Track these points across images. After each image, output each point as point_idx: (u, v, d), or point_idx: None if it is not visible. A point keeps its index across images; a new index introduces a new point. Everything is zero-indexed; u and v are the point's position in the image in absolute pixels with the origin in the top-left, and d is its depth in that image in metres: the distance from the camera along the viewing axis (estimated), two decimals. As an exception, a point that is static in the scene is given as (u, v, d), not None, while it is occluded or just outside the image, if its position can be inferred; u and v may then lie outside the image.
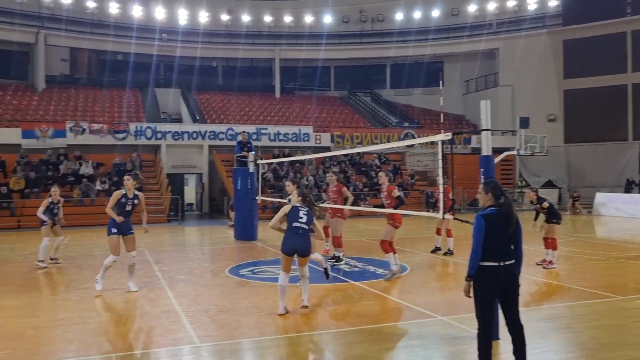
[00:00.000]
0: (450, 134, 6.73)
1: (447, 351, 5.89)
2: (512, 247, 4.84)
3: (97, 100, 31.28)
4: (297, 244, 7.30)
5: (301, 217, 7.37)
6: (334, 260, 11.29)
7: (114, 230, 8.87)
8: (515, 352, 4.88)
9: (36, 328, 6.98)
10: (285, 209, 7.50)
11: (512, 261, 4.81)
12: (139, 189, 9.32)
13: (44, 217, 11.80)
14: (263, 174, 15.73)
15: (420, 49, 36.19)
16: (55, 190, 12.28)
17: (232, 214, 19.51)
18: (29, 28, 31.91)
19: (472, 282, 4.78)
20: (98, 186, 23.71)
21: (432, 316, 7.23)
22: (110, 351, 5.98)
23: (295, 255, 7.40)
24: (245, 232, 16.31)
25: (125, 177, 9.26)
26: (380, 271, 10.60)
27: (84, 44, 33.93)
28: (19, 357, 5.90)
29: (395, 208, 9.61)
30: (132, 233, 9.07)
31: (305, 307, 7.49)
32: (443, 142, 6.93)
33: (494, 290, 4.83)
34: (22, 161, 24.16)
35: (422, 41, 36.27)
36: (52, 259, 12.09)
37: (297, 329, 6.79)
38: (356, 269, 10.84)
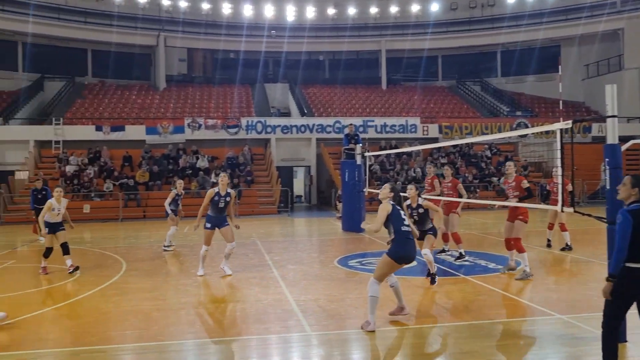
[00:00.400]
0: (570, 122, 6.33)
1: (566, 352, 5.59)
2: None
3: (211, 97, 32.91)
4: (411, 252, 6.49)
5: (404, 219, 6.55)
6: (455, 258, 10.91)
7: (208, 225, 9.87)
8: None
9: (161, 310, 7.52)
10: (387, 208, 6.51)
11: None
12: (233, 187, 9.92)
13: (169, 209, 12.89)
14: (370, 166, 15.73)
15: (534, 33, 34.28)
16: (180, 182, 13.35)
17: (339, 206, 19.75)
18: (150, 32, 34.20)
19: (612, 283, 4.49)
20: (213, 178, 24.96)
21: (549, 314, 6.88)
22: (227, 335, 6.30)
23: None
24: (353, 224, 16.41)
25: (222, 175, 9.98)
26: (491, 265, 10.26)
27: (199, 44, 35.78)
28: (146, 336, 6.39)
29: (521, 200, 9.09)
30: (228, 225, 9.95)
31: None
32: (562, 131, 6.54)
33: (634, 294, 4.49)
34: (146, 156, 26.03)
35: (536, 25, 34.31)
36: (166, 247, 13.03)
37: (405, 320, 6.75)
38: (467, 263, 10.56)
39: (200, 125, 27.34)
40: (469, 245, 12.73)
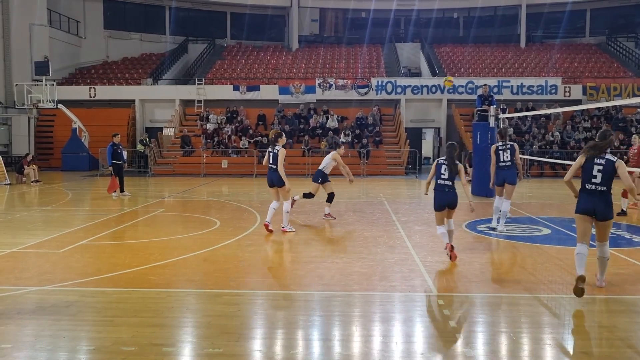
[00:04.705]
0: None
1: None
2: None
3: (341, 57, 33.12)
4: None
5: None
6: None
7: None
8: None
9: (294, 262, 7.94)
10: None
11: None
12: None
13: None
14: (504, 129, 15.04)
15: None
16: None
17: (469, 169, 19.19)
18: (284, -8, 34.96)
19: None
20: (342, 139, 25.36)
21: (703, 294, 6.28)
22: (353, 289, 6.51)
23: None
24: (483, 188, 15.90)
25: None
26: (636, 239, 9.50)
27: (330, 4, 35.97)
28: (278, 285, 6.82)
29: None
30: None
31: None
32: None
33: None
34: (279, 115, 27.02)
35: None
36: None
37: (535, 289, 6.52)
38: (612, 235, 9.86)
39: (330, 86, 27.73)
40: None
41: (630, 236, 9.75)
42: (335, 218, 11.66)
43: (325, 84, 27.76)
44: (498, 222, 10.29)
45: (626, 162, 13.41)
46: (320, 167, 11.73)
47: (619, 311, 5.78)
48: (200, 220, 11.67)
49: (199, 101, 28.28)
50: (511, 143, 10.54)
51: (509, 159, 10.27)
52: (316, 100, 27.81)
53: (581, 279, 5.96)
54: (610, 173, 6.11)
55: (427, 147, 32.49)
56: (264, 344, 4.90)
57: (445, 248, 7.79)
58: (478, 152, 16.34)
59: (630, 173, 8.58)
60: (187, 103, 29.00)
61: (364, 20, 36.83)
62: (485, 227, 10.62)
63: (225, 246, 8.95)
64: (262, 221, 10.94)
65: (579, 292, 5.94)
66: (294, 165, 24.07)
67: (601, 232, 6.27)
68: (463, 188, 8.00)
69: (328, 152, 12.76)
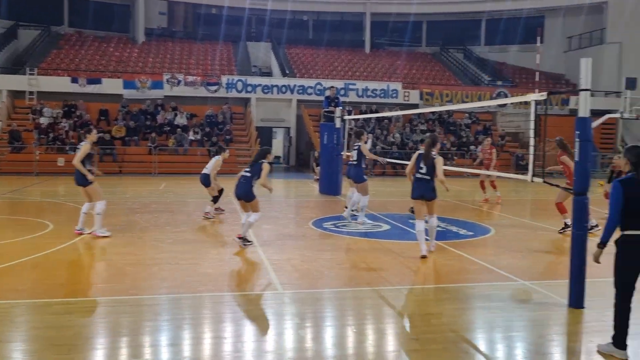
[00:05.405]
0: (545, 93, 6.42)
1: (529, 316, 5.79)
2: None
3: (192, 53, 32.31)
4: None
5: (421, 168, 8.17)
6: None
7: None
8: None
9: (134, 265, 7.57)
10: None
11: None
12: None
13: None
14: (350, 129, 15.78)
15: (519, 2, 34.13)
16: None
17: (317, 169, 19.82)
18: (130, -18, 33.23)
19: (603, 250, 4.63)
20: (191, 136, 24.77)
21: (513, 280, 7.10)
22: (199, 291, 6.39)
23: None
24: (330, 187, 16.54)
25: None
26: (463, 232, 10.48)
27: (180, -2, 34.93)
28: (118, 290, 6.45)
29: None
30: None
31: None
32: (537, 102, 6.62)
33: (636, 262, 4.58)
34: (123, 110, 25.63)
35: (523, -6, 34.22)
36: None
37: (374, 282, 6.91)
38: (439, 229, 10.73)
39: (179, 82, 26.91)
40: (443, 211, 12.94)
41: (458, 230, 10.72)
42: (212, 217, 11.51)
43: (173, 80, 26.87)
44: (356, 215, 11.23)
45: (479, 162, 15.86)
46: (204, 171, 11.73)
47: (446, 299, 6.34)
48: (31, 223, 10.66)
49: (31, 93, 25.79)
50: (359, 144, 11.16)
51: (355, 157, 11.19)
52: (164, 96, 26.79)
53: (424, 257, 8.01)
54: (432, 166, 8.08)
55: (278, 146, 32.91)
56: (104, 355, 4.61)
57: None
58: (325, 152, 16.91)
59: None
60: (16, 94, 26.28)
61: (216, 17, 36.28)
62: (331, 225, 11.02)
63: (59, 251, 8.27)
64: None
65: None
66: (140, 163, 23.03)
67: (429, 209, 8.31)
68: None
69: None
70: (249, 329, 5.36)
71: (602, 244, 4.62)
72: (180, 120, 25.64)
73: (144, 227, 10.47)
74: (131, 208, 12.98)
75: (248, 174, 8.74)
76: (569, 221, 9.69)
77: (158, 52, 31.81)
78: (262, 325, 5.45)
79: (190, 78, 27.18)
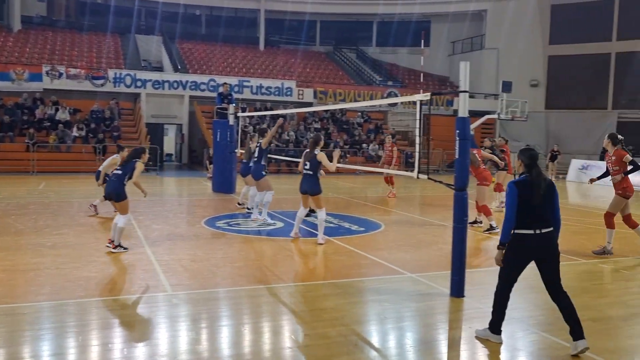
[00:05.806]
0: (428, 94, 6.72)
1: (415, 307, 6.04)
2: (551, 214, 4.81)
3: (75, 45, 30.45)
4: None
5: (306, 164, 8.85)
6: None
7: None
8: (567, 321, 4.79)
9: (8, 271, 6.99)
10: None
11: (550, 229, 4.78)
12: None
13: None
14: (244, 127, 15.65)
15: (409, 7, 35.67)
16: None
17: (210, 166, 19.45)
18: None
19: (503, 251, 4.79)
20: (75, 132, 23.37)
21: (401, 273, 7.38)
22: (83, 296, 6.02)
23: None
24: (223, 185, 16.31)
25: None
26: (354, 227, 10.74)
27: (62, -16, 32.80)
28: (-10, 299, 5.92)
29: (626, 175, 8.47)
30: None
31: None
32: (422, 102, 6.93)
33: (524, 258, 4.81)
34: (-3, 104, 23.63)
35: (412, -1, 35.78)
36: None
37: (268, 280, 6.90)
38: (331, 225, 10.95)
39: (61, 74, 25.27)
40: (335, 208, 13.22)
41: (350, 226, 10.97)
42: (98, 213, 11.39)
43: (54, 72, 25.15)
44: (259, 214, 11.22)
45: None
46: (100, 169, 11.91)
47: (336, 294, 6.45)
48: None
49: None
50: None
51: (256, 155, 11.69)
52: (43, 89, 25.01)
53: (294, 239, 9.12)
54: (316, 163, 8.83)
55: (170, 143, 31.94)
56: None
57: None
58: (218, 150, 16.63)
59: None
60: None
61: (102, 7, 34.44)
62: (224, 223, 10.86)
63: None
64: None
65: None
66: (17, 161, 21.35)
67: (315, 203, 8.93)
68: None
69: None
70: (138, 334, 5.13)
71: (502, 245, 4.81)
72: (62, 115, 24.08)
73: (20, 230, 9.70)
74: (5, 210, 12.00)
75: (120, 172, 8.34)
76: (494, 223, 10.33)
77: (37, 41, 29.66)
78: (152, 329, 5.24)
79: (73, 71, 25.62)
